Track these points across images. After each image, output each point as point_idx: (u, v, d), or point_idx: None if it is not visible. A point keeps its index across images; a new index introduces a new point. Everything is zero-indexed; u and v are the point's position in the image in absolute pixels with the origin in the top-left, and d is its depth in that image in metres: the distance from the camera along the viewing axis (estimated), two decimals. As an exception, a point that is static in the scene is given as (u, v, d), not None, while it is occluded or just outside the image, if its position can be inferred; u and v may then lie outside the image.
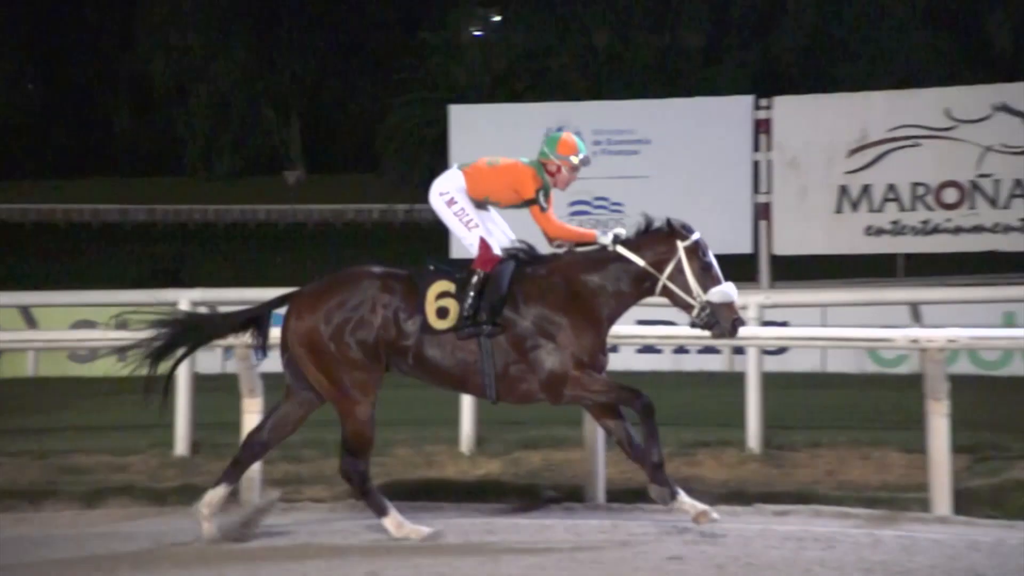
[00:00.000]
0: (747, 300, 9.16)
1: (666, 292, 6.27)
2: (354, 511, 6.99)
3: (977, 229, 12.38)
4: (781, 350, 10.76)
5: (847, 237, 12.95)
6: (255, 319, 6.56)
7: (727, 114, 13.57)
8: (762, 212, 13.14)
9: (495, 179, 6.46)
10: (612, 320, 6.38)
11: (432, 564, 5.81)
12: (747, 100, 13.61)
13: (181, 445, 8.37)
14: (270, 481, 7.41)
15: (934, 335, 7.02)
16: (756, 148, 13.17)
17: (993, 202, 12.35)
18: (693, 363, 12.21)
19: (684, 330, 9.91)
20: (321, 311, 6.28)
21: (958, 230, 12.46)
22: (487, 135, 14.16)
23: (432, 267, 6.44)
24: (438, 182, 6.51)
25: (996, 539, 6.05)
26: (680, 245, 6.24)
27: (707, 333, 6.27)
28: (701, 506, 6.16)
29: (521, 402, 6.42)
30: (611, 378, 6.32)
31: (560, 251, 6.44)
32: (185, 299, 9.58)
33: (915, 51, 30.93)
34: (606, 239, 6.34)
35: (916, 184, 12.67)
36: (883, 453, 7.60)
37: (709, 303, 6.18)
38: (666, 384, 10.98)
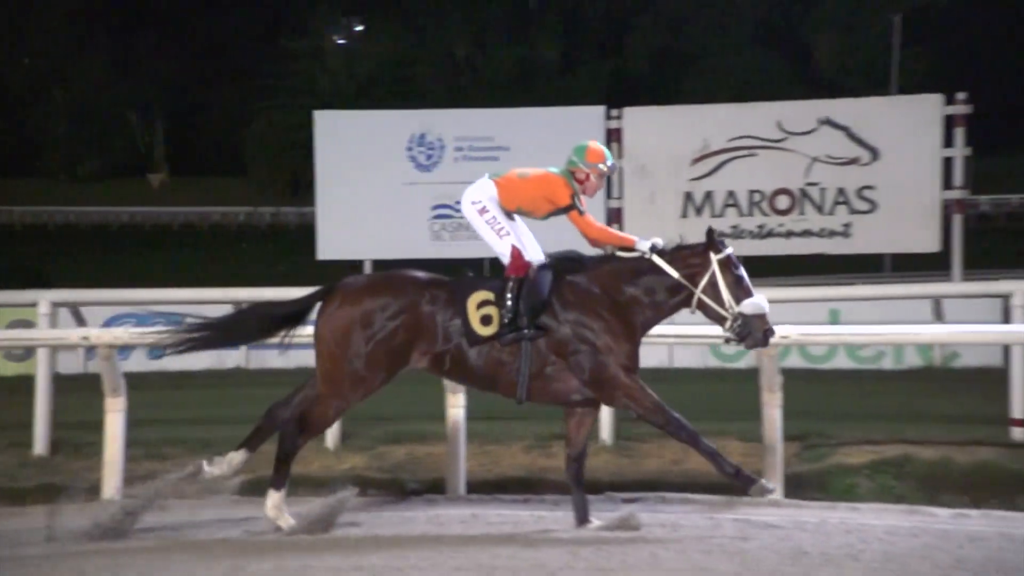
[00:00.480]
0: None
1: (700, 304, 6.20)
2: (218, 508, 6.88)
3: (806, 233, 12.84)
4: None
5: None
6: (301, 313, 6.36)
7: (581, 123, 13.69)
8: (614, 216, 13.40)
9: (528, 190, 6.36)
10: (646, 330, 6.31)
11: (297, 556, 5.77)
12: (599, 110, 13.83)
13: (40, 444, 8.13)
14: (132, 478, 7.25)
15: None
16: None
17: (820, 209, 12.84)
18: None
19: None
20: (361, 308, 6.16)
21: (789, 234, 12.92)
22: (352, 140, 14.08)
23: (470, 275, 6.39)
24: (470, 191, 6.40)
25: (820, 519, 6.30)
26: (714, 258, 6.20)
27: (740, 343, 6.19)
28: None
29: (551, 402, 6.32)
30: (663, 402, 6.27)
31: (600, 254, 6.39)
32: (45, 300, 9.28)
33: (751, 68, 31.85)
34: (644, 246, 6.29)
35: (753, 191, 13.09)
36: (724, 442, 7.77)
37: (742, 315, 6.11)
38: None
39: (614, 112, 13.55)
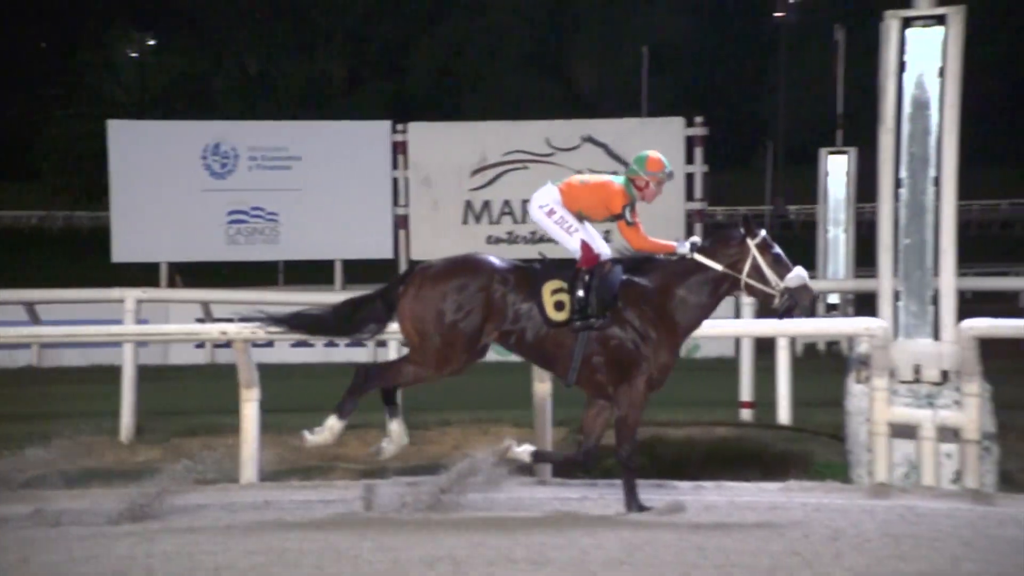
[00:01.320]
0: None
1: (748, 288, 6.13)
2: (3, 502, 6.44)
3: (575, 239, 13.19)
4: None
5: (472, 245, 13.40)
6: (393, 303, 6.23)
7: (368, 136, 13.61)
8: (401, 222, 13.42)
9: (588, 195, 6.29)
10: (692, 329, 6.25)
11: (86, 547, 5.47)
12: (385, 125, 13.83)
13: None
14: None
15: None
16: (395, 166, 13.44)
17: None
18: (342, 355, 12.15)
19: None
20: (441, 289, 6.09)
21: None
22: (147, 149, 13.59)
23: (543, 264, 6.31)
24: (537, 196, 6.35)
25: (581, 495, 6.43)
26: (751, 243, 6.10)
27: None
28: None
29: (593, 390, 6.23)
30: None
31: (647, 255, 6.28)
32: None
33: (522, 90, 32.43)
34: (684, 249, 6.20)
35: (526, 201, 13.27)
36: (499, 428, 7.93)
37: (788, 289, 6.05)
38: (316, 375, 10.91)
39: (399, 127, 13.61)
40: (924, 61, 6.70)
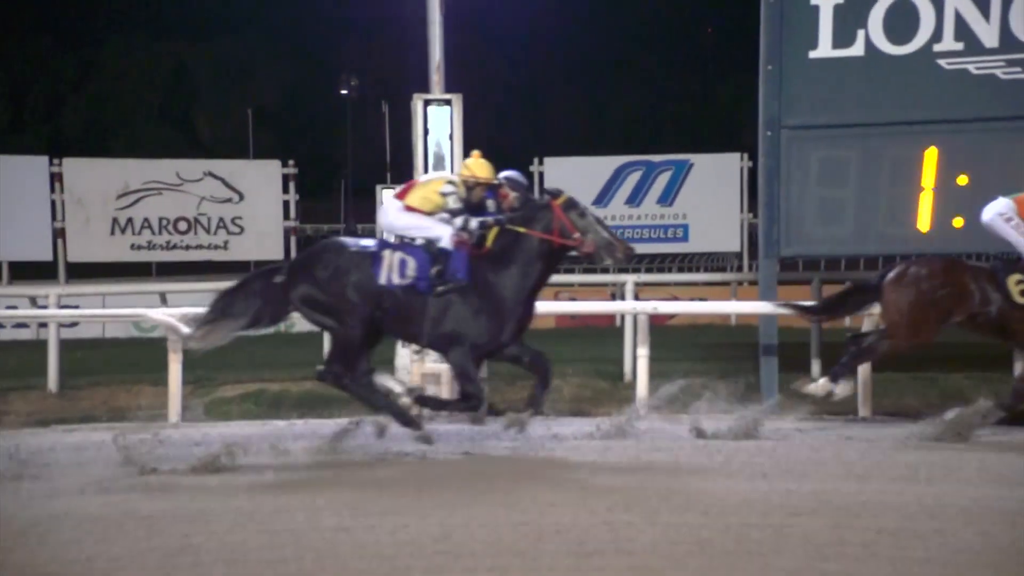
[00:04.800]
0: (49, 292, 8.38)
1: None
2: None
3: (199, 247, 12.60)
4: (74, 324, 10.02)
5: (118, 251, 12.52)
6: (849, 301, 6.12)
7: (29, 168, 12.19)
8: (59, 233, 12.11)
9: None
10: None
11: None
12: (43, 159, 12.38)
13: None
14: None
15: (174, 312, 6.86)
16: (53, 191, 12.10)
17: (208, 231, 12.87)
18: (5, 335, 10.91)
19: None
20: (921, 285, 5.78)
21: (188, 247, 12.58)
22: None
23: (1002, 263, 5.95)
24: (994, 206, 5.85)
25: (204, 434, 6.03)
26: None
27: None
28: None
29: None
30: None
31: None
32: None
33: (157, 136, 29.85)
34: None
35: (161, 218, 12.70)
36: (139, 387, 7.31)
37: None
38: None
39: (56, 161, 12.26)
40: (440, 129, 7.05)
